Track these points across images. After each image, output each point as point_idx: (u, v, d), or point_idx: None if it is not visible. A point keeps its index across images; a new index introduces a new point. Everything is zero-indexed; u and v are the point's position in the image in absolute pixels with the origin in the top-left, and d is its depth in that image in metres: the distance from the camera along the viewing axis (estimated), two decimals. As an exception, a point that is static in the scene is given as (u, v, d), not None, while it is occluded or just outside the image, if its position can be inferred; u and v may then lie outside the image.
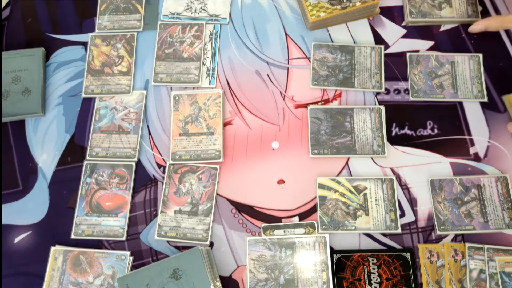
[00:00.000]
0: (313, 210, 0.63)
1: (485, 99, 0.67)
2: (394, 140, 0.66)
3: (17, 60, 0.69)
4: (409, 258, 0.60)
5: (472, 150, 0.65)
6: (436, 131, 0.66)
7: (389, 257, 0.60)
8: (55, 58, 0.72)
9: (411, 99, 0.67)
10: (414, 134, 0.66)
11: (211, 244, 0.62)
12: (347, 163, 0.65)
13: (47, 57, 0.72)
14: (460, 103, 0.67)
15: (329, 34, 0.71)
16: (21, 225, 0.64)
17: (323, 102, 0.68)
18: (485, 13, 0.71)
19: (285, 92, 0.68)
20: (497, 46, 0.70)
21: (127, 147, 0.66)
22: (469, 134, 0.66)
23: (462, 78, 0.68)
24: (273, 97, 0.68)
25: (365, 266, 0.59)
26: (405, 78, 0.68)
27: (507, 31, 0.71)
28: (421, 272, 0.59)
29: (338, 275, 0.59)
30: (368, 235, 0.61)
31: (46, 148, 0.67)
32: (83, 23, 0.74)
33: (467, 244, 0.59)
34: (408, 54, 0.69)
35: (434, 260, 0.59)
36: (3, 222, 0.64)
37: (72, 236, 0.63)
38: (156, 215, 0.63)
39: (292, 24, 0.72)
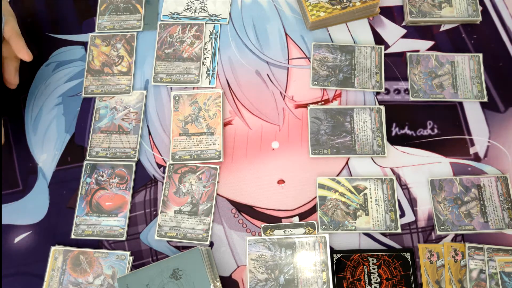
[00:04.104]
0: (313, 210, 0.63)
1: (485, 99, 0.67)
2: (394, 140, 0.66)
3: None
4: (409, 258, 0.60)
5: (472, 150, 0.65)
6: (436, 131, 0.66)
7: (389, 257, 0.60)
8: (55, 58, 0.72)
9: (411, 99, 0.67)
10: (414, 134, 0.66)
11: (211, 244, 0.62)
12: (347, 163, 0.65)
13: (47, 57, 0.72)
14: (460, 103, 0.67)
15: (329, 34, 0.71)
16: (21, 225, 0.64)
17: (323, 102, 0.68)
18: (485, 13, 0.71)
19: (285, 92, 0.68)
20: (497, 46, 0.70)
21: (127, 147, 0.66)
22: (469, 134, 0.66)
23: (462, 78, 0.68)
24: (273, 97, 0.68)
25: (365, 266, 0.59)
26: (405, 78, 0.68)
27: (507, 31, 0.71)
28: (421, 272, 0.59)
29: (338, 275, 0.59)
30: (368, 235, 0.61)
31: (46, 148, 0.67)
32: (83, 23, 0.74)
33: (467, 244, 0.59)
34: (408, 54, 0.69)
35: (434, 260, 0.59)
36: (3, 222, 0.64)
37: (72, 236, 0.63)
38: (156, 215, 0.63)
39: (292, 24, 0.72)
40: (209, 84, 0.69)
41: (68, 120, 0.69)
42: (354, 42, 0.71)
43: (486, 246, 0.59)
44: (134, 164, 0.65)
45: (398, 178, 0.64)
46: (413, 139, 0.66)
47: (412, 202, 0.63)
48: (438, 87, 0.67)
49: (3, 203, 0.65)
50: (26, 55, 0.61)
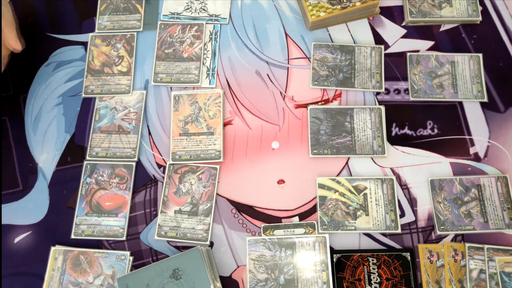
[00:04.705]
0: (313, 210, 0.63)
1: (485, 99, 0.67)
2: (394, 140, 0.66)
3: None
4: (409, 258, 0.60)
5: (472, 150, 0.65)
6: (436, 131, 0.66)
7: (389, 257, 0.60)
8: (55, 58, 0.72)
9: (411, 99, 0.67)
10: (414, 134, 0.66)
11: (211, 244, 0.62)
12: (347, 163, 0.65)
13: (47, 57, 0.72)
14: (460, 103, 0.67)
15: (329, 34, 0.71)
16: (21, 225, 0.64)
17: (323, 102, 0.68)
18: (485, 13, 0.71)
19: (285, 92, 0.68)
20: (497, 46, 0.70)
21: (127, 147, 0.66)
22: (469, 134, 0.66)
23: (462, 78, 0.68)
24: (273, 97, 0.68)
25: (365, 266, 0.59)
26: (405, 78, 0.68)
27: (507, 31, 0.71)
28: (421, 272, 0.59)
29: (338, 275, 0.59)
30: (368, 235, 0.61)
31: (46, 148, 0.67)
32: (83, 23, 0.74)
33: (467, 244, 0.59)
34: (408, 54, 0.69)
35: (434, 260, 0.59)
36: (3, 222, 0.64)
37: (72, 236, 0.63)
38: (156, 215, 0.63)
39: (292, 24, 0.72)
40: (209, 84, 0.69)
41: (68, 120, 0.69)
42: (354, 42, 0.71)
43: (486, 246, 0.59)
44: (134, 164, 0.65)
45: (398, 178, 0.64)
46: (413, 139, 0.66)
47: (412, 202, 0.63)
48: (438, 87, 0.68)
49: (3, 203, 0.65)
50: (15, 45, 0.62)
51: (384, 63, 0.69)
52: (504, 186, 0.62)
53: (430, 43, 0.70)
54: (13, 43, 0.62)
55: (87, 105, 0.69)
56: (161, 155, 0.66)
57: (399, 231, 0.61)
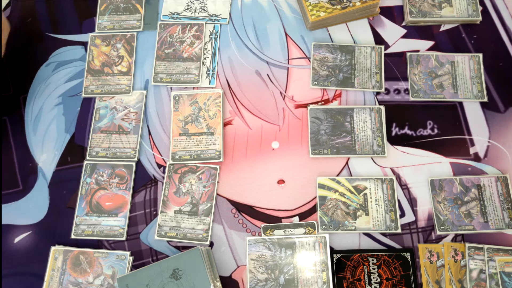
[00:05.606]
0: (313, 210, 0.63)
1: (485, 99, 0.67)
2: (394, 140, 0.66)
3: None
4: (409, 258, 0.60)
5: (472, 150, 0.65)
6: (436, 131, 0.66)
7: (389, 257, 0.60)
8: (55, 57, 0.72)
9: (411, 99, 0.67)
10: (414, 134, 0.66)
11: (211, 244, 0.62)
12: (347, 163, 0.65)
13: (47, 57, 0.72)
14: (460, 103, 0.67)
15: (329, 34, 0.71)
16: (21, 225, 0.64)
17: (323, 102, 0.68)
18: (485, 13, 0.71)
19: (285, 92, 0.68)
20: (497, 46, 0.70)
21: (127, 147, 0.66)
22: (469, 134, 0.66)
23: (462, 78, 0.68)
24: (273, 97, 0.68)
25: (365, 266, 0.59)
26: (405, 78, 0.68)
27: (507, 31, 0.71)
28: (421, 272, 0.59)
29: (338, 275, 0.59)
30: (368, 235, 0.61)
31: (46, 148, 0.67)
32: (83, 23, 0.74)
33: (467, 244, 0.59)
34: (408, 54, 0.69)
35: (434, 260, 0.59)
36: (3, 222, 0.64)
37: (72, 236, 0.63)
38: (156, 215, 0.63)
39: (292, 24, 0.72)
40: (209, 84, 0.69)
41: (68, 120, 0.69)
42: (354, 42, 0.71)
43: (486, 246, 0.59)
44: (134, 164, 0.65)
45: (398, 178, 0.64)
46: (413, 139, 0.66)
47: (412, 202, 0.63)
48: (438, 87, 0.67)
49: (3, 203, 0.65)
50: None
51: (384, 63, 0.69)
52: (504, 186, 0.62)
53: (430, 43, 0.70)
54: None
55: (87, 105, 0.69)
56: (161, 155, 0.66)
57: (399, 231, 0.61)
